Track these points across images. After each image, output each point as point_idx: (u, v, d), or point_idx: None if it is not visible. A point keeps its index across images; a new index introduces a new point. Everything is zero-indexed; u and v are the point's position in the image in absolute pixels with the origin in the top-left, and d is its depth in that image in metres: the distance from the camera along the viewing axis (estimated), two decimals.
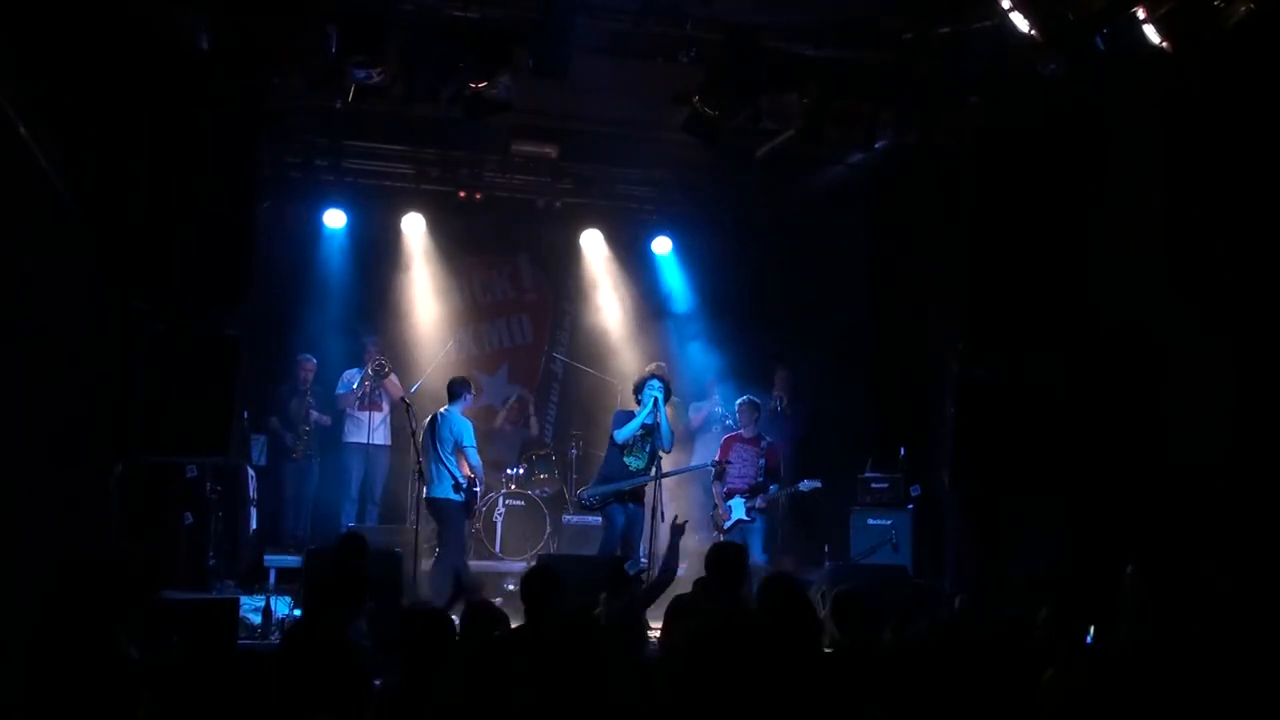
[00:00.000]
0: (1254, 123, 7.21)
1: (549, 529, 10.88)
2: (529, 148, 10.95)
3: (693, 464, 10.70)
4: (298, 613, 8.02)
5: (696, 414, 11.51)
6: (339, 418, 11.09)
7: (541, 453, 11.76)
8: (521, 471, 11.26)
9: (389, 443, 11.20)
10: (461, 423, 9.57)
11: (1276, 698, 4.42)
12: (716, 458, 10.04)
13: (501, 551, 10.60)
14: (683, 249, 12.61)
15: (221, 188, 7.93)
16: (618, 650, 4.23)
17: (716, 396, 11.37)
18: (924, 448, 9.85)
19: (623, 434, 9.19)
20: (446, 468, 9.37)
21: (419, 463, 9.13)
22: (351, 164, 11.46)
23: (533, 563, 9.66)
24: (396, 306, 12.05)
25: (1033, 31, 7.60)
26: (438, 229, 12.12)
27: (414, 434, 9.22)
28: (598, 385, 12.21)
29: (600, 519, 9.43)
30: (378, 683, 4.60)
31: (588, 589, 6.53)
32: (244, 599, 8.08)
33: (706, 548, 6.22)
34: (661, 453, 9.22)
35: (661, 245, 12.62)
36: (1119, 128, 8.24)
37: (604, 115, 10.43)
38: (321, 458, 10.98)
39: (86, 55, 6.70)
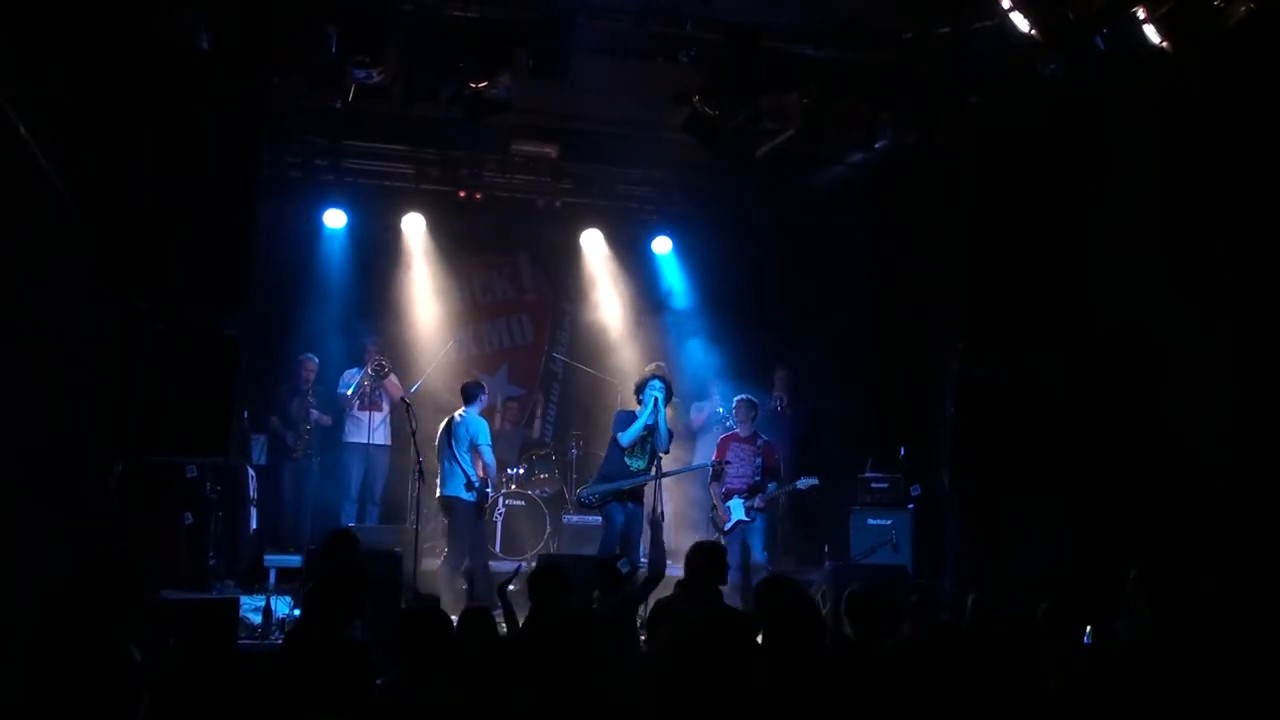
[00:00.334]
0: (1254, 123, 7.20)
1: (549, 529, 10.88)
2: (529, 148, 10.96)
3: (693, 464, 10.71)
4: (298, 613, 8.02)
5: (698, 414, 11.52)
6: (339, 417, 11.10)
7: (541, 453, 11.76)
8: (521, 471, 11.28)
9: (389, 443, 11.21)
10: (478, 422, 9.78)
11: (1277, 698, 4.42)
12: (714, 458, 10.04)
13: (501, 551, 10.60)
14: (683, 249, 12.62)
15: (221, 188, 7.93)
16: (612, 649, 4.22)
17: (717, 397, 11.37)
18: (924, 448, 9.85)
19: (627, 436, 9.17)
20: (460, 466, 9.49)
21: (419, 463, 9.14)
22: (351, 164, 11.47)
23: (533, 563, 9.67)
24: (396, 306, 12.06)
25: (1033, 31, 7.60)
26: (438, 229, 12.13)
27: (414, 434, 9.22)
28: (598, 385, 12.21)
29: (600, 518, 9.43)
30: (378, 682, 4.61)
31: (587, 589, 6.55)
32: (244, 599, 8.08)
33: None
34: (660, 453, 9.23)
35: (661, 245, 12.63)
36: (1119, 128, 8.24)
37: (604, 115, 10.43)
38: (322, 457, 10.98)
39: (86, 55, 6.70)
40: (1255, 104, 7.18)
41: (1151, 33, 7.41)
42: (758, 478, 9.84)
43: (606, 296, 12.61)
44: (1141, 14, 7.41)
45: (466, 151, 11.46)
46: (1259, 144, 7.19)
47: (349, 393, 10.93)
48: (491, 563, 9.90)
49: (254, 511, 9.77)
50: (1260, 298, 7.21)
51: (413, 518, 9.34)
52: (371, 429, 10.95)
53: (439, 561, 9.57)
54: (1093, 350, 8.43)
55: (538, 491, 11.11)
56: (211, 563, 8.70)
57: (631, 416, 9.27)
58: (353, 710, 4.29)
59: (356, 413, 11.02)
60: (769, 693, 3.20)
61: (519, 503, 10.94)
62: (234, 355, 7.89)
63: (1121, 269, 8.22)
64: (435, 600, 6.78)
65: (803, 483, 9.80)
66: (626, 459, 9.24)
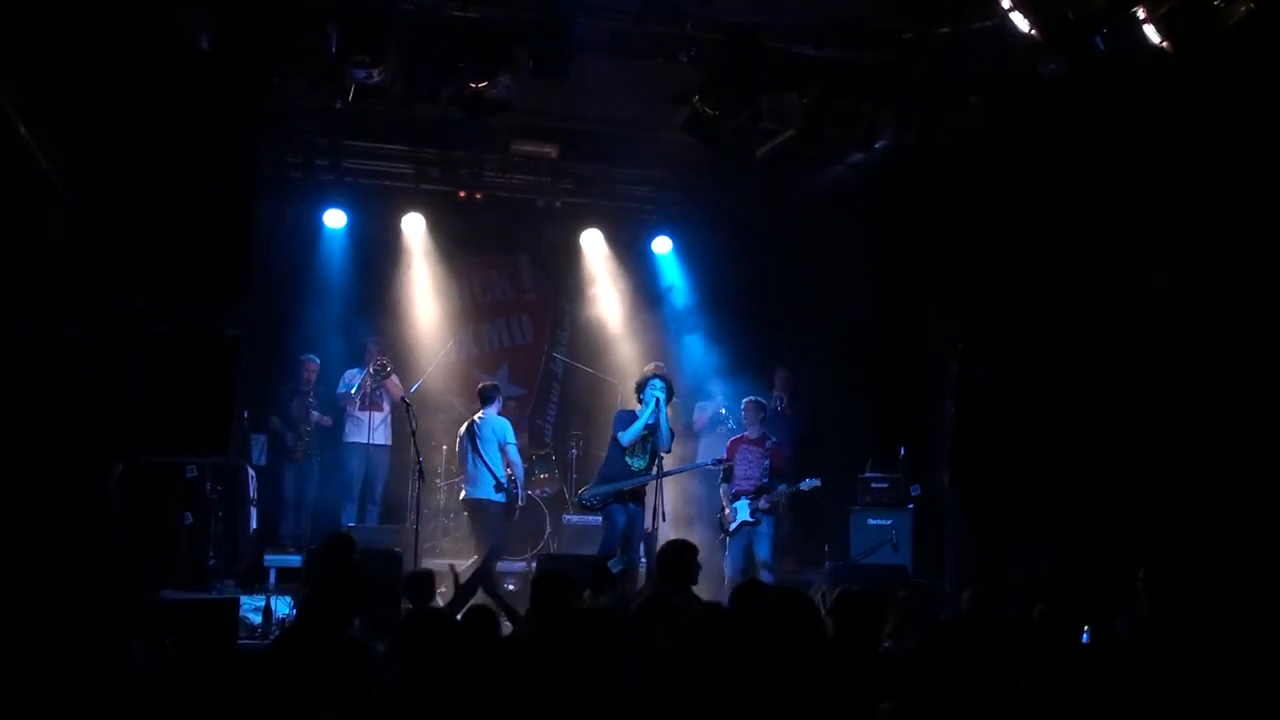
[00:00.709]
0: (1254, 123, 7.20)
1: (549, 529, 10.88)
2: (529, 148, 10.96)
3: (694, 463, 10.71)
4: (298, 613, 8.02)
5: (701, 414, 11.50)
6: (340, 417, 11.10)
7: (541, 453, 11.76)
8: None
9: (389, 443, 11.21)
10: (502, 423, 9.96)
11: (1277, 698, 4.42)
12: (724, 459, 10.05)
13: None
14: (683, 249, 12.62)
15: (221, 188, 7.93)
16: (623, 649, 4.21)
17: (720, 397, 11.37)
18: (924, 448, 9.86)
19: (628, 436, 9.16)
20: (488, 468, 9.63)
21: (419, 463, 9.15)
22: (351, 164, 11.47)
23: (533, 563, 9.69)
24: (397, 306, 12.06)
25: (1033, 31, 7.60)
26: (438, 229, 12.13)
27: (414, 434, 9.23)
28: (598, 385, 12.21)
29: (600, 519, 9.43)
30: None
31: (585, 590, 6.56)
32: (244, 599, 8.08)
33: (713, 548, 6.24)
34: (661, 453, 9.23)
35: (661, 245, 12.64)
36: (1119, 128, 8.23)
37: (604, 115, 10.43)
38: (322, 457, 10.98)
39: (86, 55, 6.70)
40: (1255, 104, 7.18)
41: (1151, 33, 7.41)
42: (765, 480, 9.84)
43: (606, 296, 12.62)
44: (1141, 14, 7.41)
45: (466, 151, 11.46)
46: (1259, 144, 7.19)
47: (352, 391, 10.94)
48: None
49: (254, 511, 9.78)
50: (1260, 298, 7.21)
51: (413, 518, 9.35)
52: (372, 429, 10.96)
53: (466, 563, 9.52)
54: (1093, 350, 8.43)
55: (538, 491, 11.10)
56: (211, 563, 8.70)
57: (632, 416, 9.27)
58: (353, 710, 4.29)
59: (357, 413, 11.02)
60: (768, 693, 3.20)
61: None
62: (234, 355, 7.89)
63: (1121, 269, 8.22)
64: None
65: (805, 484, 9.80)
66: (628, 458, 9.23)
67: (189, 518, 8.26)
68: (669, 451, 9.34)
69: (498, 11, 8.03)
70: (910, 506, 9.80)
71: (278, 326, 11.01)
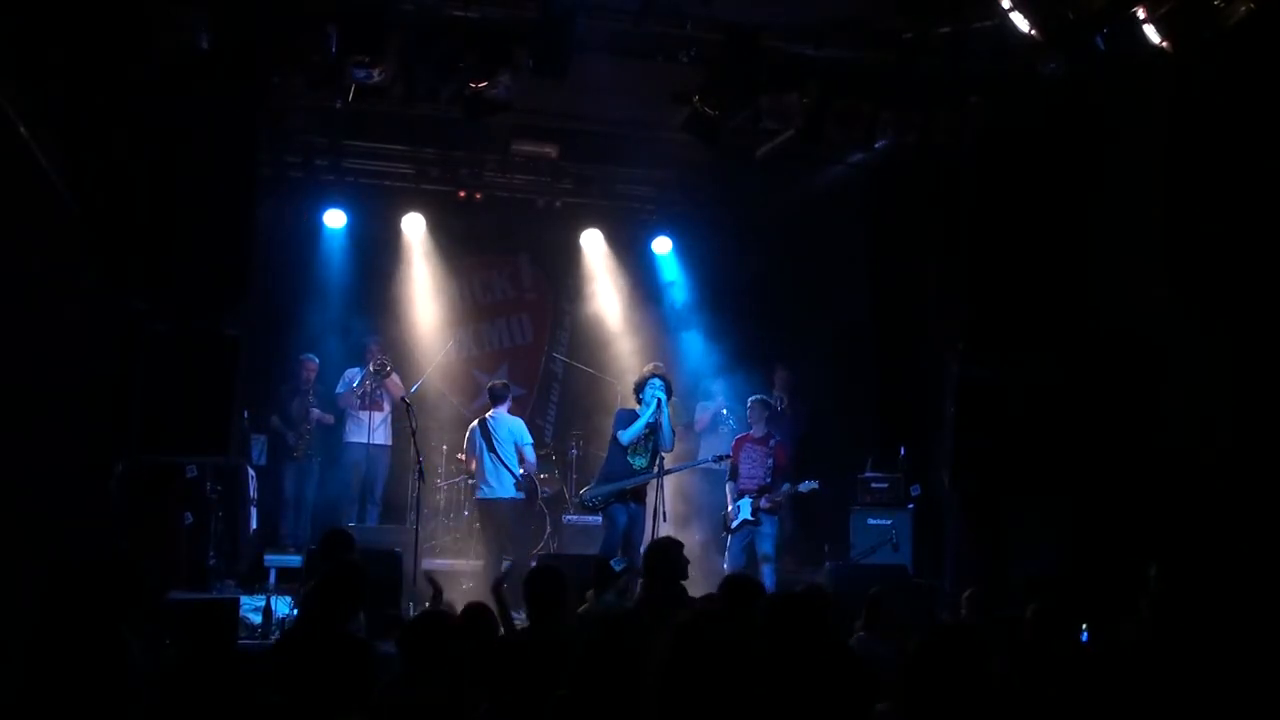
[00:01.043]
0: (1254, 123, 7.20)
1: (549, 529, 10.88)
2: (529, 148, 10.97)
3: (695, 460, 10.71)
4: (298, 612, 8.02)
5: (702, 414, 11.51)
6: (340, 417, 11.10)
7: (542, 453, 11.73)
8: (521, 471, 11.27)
9: (390, 442, 11.21)
10: (516, 422, 10.02)
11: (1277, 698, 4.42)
12: (726, 455, 10.07)
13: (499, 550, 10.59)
14: (683, 249, 12.63)
15: (221, 188, 7.94)
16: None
17: (721, 397, 11.37)
18: (924, 448, 9.85)
19: (628, 435, 9.17)
20: (507, 468, 9.71)
21: (419, 462, 9.15)
22: (351, 164, 11.48)
23: (533, 563, 9.65)
24: (397, 306, 12.07)
25: (1033, 31, 7.60)
26: (438, 229, 12.14)
27: (414, 434, 9.23)
28: (598, 385, 12.21)
29: (600, 519, 9.43)
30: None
31: (587, 589, 6.54)
32: (244, 599, 8.09)
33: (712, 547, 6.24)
34: (663, 453, 9.23)
35: (661, 245, 12.65)
36: (1119, 128, 8.24)
37: (604, 115, 10.43)
38: (322, 457, 10.99)
39: (86, 55, 6.70)
40: (1255, 104, 7.18)
41: (1151, 33, 7.41)
42: (768, 479, 9.83)
43: (606, 296, 12.62)
44: (1141, 14, 7.40)
45: (466, 151, 11.47)
46: (1259, 144, 7.19)
47: (353, 386, 10.94)
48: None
49: (254, 511, 9.79)
50: (1260, 298, 7.21)
51: (413, 517, 9.35)
52: (372, 429, 10.96)
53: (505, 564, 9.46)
54: (1092, 350, 8.42)
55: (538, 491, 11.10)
56: (211, 563, 8.72)
57: (633, 415, 9.27)
58: (356, 707, 4.29)
59: (357, 412, 11.03)
60: (770, 692, 3.19)
61: None
62: (234, 355, 7.89)
63: (1121, 269, 8.21)
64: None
65: (804, 486, 9.81)
66: (629, 457, 9.23)
67: (189, 518, 8.27)
68: (670, 450, 9.34)
69: (498, 11, 8.03)
70: (910, 506, 9.80)
71: (278, 326, 11.02)
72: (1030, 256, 8.89)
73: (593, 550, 9.58)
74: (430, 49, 8.13)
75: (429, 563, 9.58)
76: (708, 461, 10.33)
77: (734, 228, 12.20)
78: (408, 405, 9.53)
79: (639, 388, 9.30)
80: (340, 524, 10.41)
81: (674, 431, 9.36)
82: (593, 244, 12.64)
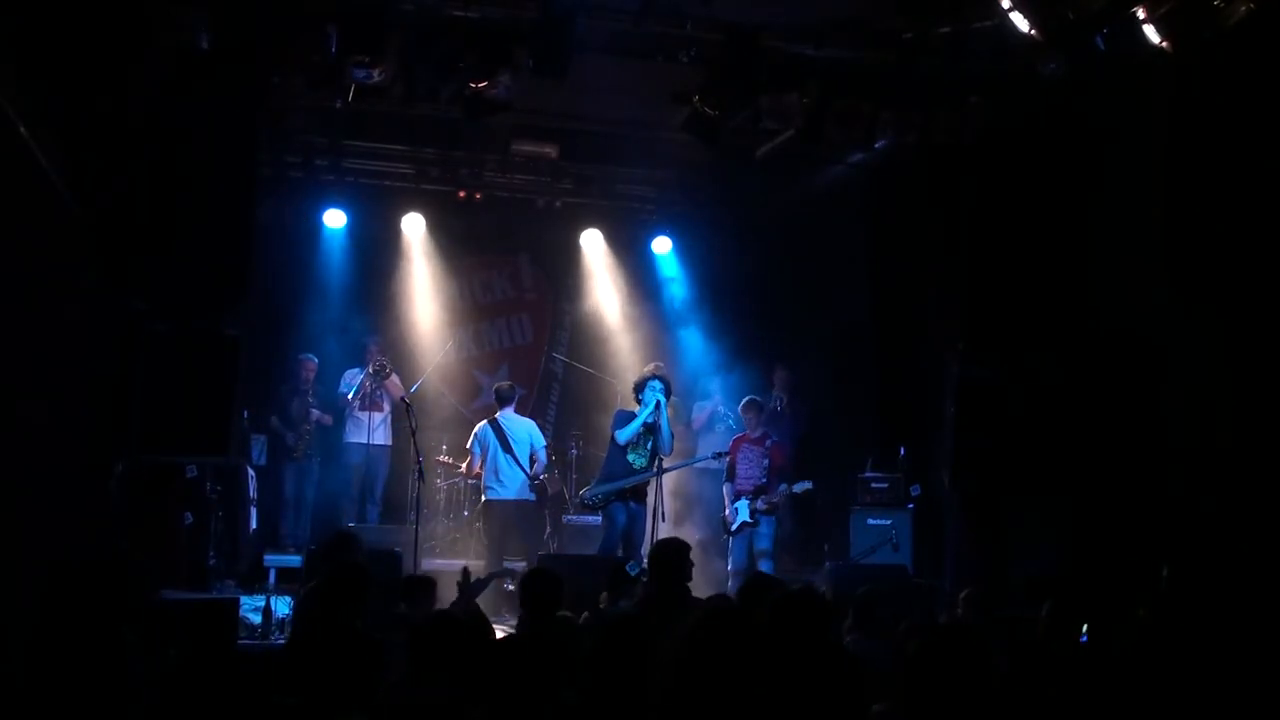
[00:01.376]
0: (1254, 123, 7.20)
1: (549, 529, 10.88)
2: (529, 148, 10.97)
3: (695, 459, 10.71)
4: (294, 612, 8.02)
5: (700, 413, 11.51)
6: (340, 417, 11.10)
7: None
8: None
9: (390, 443, 11.21)
10: (530, 424, 10.21)
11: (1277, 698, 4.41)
12: (725, 453, 10.08)
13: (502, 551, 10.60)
14: (683, 249, 12.63)
15: (221, 188, 7.94)
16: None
17: (719, 396, 11.37)
18: (924, 448, 9.85)
19: (624, 434, 9.19)
20: (522, 469, 9.79)
21: (419, 462, 9.15)
22: (351, 164, 11.47)
23: (533, 563, 9.64)
24: (396, 306, 12.07)
25: (1033, 31, 7.60)
26: (438, 229, 12.13)
27: (414, 434, 9.23)
28: (598, 385, 12.21)
29: (600, 518, 9.43)
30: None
31: (587, 589, 6.53)
32: (244, 599, 8.09)
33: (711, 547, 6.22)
34: (662, 455, 9.24)
35: (661, 245, 12.65)
36: (1119, 128, 8.23)
37: (604, 115, 10.44)
38: (322, 457, 10.99)
39: (86, 55, 6.69)
40: (1255, 104, 7.18)
41: (1151, 33, 7.41)
42: (764, 479, 9.84)
43: (606, 296, 12.62)
44: (1141, 14, 7.40)
45: (466, 151, 11.47)
46: (1259, 144, 7.18)
47: (350, 395, 10.94)
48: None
49: (254, 511, 9.79)
50: (1259, 297, 7.21)
51: (413, 517, 9.35)
52: (372, 429, 10.96)
53: (519, 565, 9.47)
54: (1092, 350, 8.42)
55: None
56: (211, 563, 8.71)
57: (631, 416, 9.30)
58: (362, 705, 4.29)
59: (357, 413, 11.03)
60: (774, 691, 3.19)
61: None
62: (234, 355, 7.89)
63: (1121, 269, 8.21)
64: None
65: (798, 487, 9.82)
66: (628, 455, 9.25)
67: (189, 518, 8.27)
68: (669, 454, 9.36)
69: (498, 11, 8.03)
70: (910, 506, 9.80)
71: (278, 326, 11.01)
72: (1030, 256, 8.89)
73: (592, 550, 9.60)
74: (430, 49, 8.13)
75: (429, 563, 9.59)
76: (707, 459, 10.33)
77: (734, 227, 12.20)
78: (408, 405, 9.53)
79: (638, 388, 9.32)
80: (340, 524, 10.45)
81: (673, 435, 9.37)
82: (592, 244, 12.64)
